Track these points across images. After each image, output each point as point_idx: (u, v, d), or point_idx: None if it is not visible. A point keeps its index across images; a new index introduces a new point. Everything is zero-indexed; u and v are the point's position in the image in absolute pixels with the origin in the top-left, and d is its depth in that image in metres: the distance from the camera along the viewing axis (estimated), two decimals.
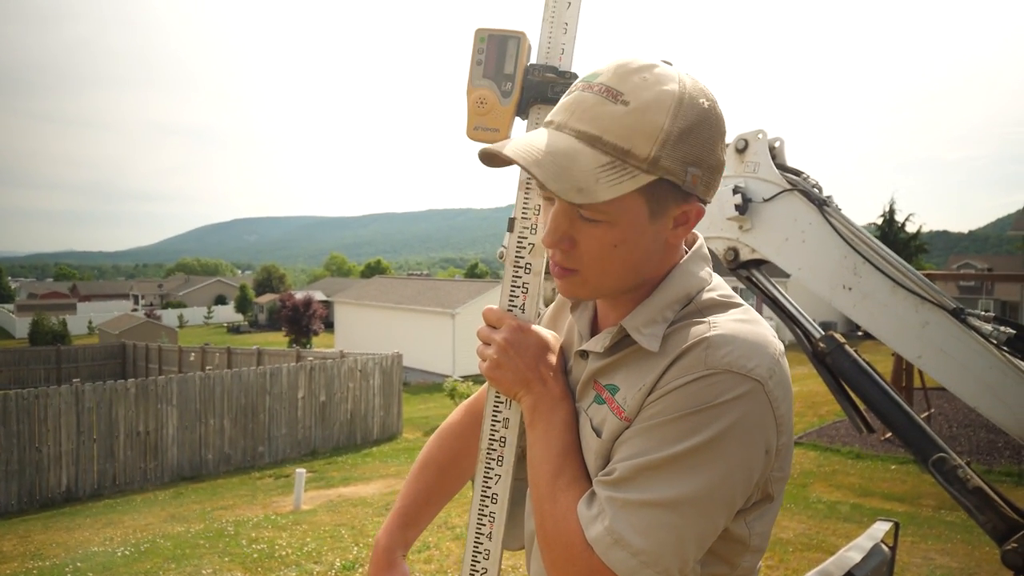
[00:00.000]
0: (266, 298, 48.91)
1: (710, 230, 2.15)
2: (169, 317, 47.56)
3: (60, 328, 34.41)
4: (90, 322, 44.10)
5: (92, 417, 9.21)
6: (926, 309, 1.90)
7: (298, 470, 7.62)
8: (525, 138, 0.77)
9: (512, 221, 0.95)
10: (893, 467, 7.95)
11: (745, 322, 0.79)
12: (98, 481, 9.26)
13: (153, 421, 9.74)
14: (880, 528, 1.82)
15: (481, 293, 22.93)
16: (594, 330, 0.92)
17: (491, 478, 0.93)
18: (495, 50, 0.95)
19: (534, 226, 0.93)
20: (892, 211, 30.57)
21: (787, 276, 2.13)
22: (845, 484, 7.35)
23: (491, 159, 0.77)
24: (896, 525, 1.84)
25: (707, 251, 0.89)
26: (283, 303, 31.77)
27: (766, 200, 2.05)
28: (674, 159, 0.73)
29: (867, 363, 2.00)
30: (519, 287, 0.94)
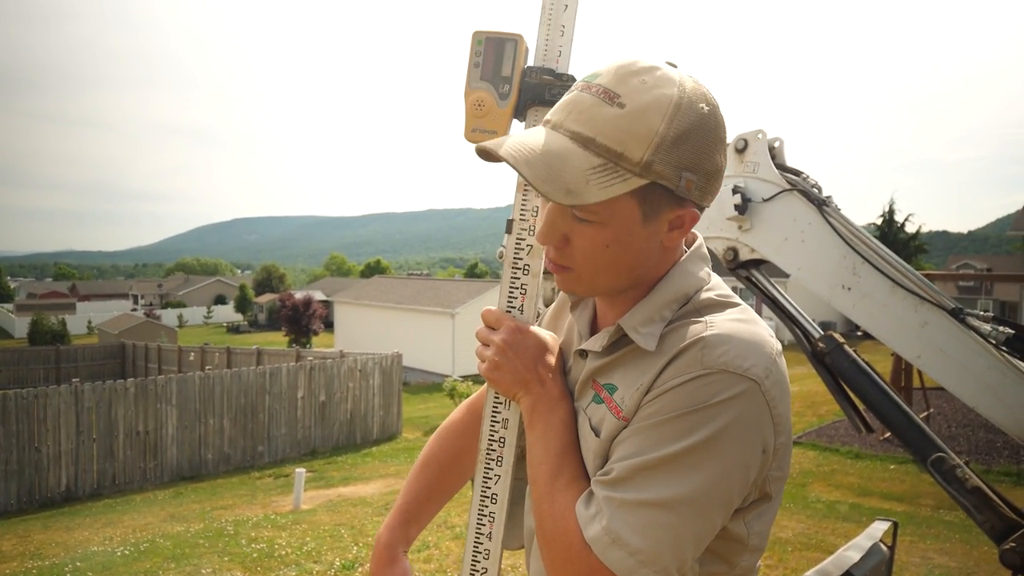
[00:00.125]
0: (266, 298, 48.92)
1: (709, 230, 2.16)
2: (169, 317, 47.56)
3: (59, 328, 34.41)
4: (89, 322, 44.10)
5: (91, 417, 9.21)
6: (925, 309, 1.90)
7: (298, 470, 7.62)
8: (520, 136, 0.77)
9: (510, 223, 0.95)
10: (892, 467, 7.96)
11: (742, 322, 0.79)
12: (97, 481, 9.26)
13: (152, 421, 9.74)
14: (879, 527, 1.82)
15: (481, 293, 22.94)
16: (593, 329, 0.92)
17: (491, 478, 0.93)
18: (493, 53, 0.96)
19: (532, 228, 0.93)
20: (892, 211, 30.59)
21: (786, 276, 2.13)
22: (844, 484, 7.36)
23: (488, 155, 0.78)
24: (895, 524, 1.84)
25: (706, 251, 0.89)
26: (283, 303, 31.78)
27: (765, 200, 2.05)
28: (668, 164, 0.73)
29: (866, 363, 2.00)
30: (517, 288, 0.94)
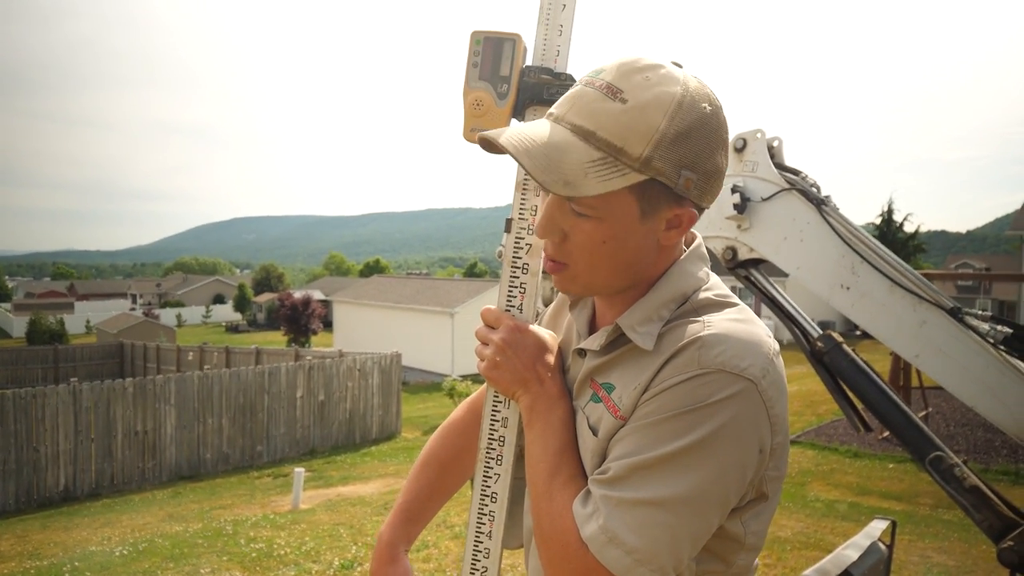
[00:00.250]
0: (264, 297, 48.89)
1: (708, 229, 2.16)
2: (167, 316, 47.51)
3: (58, 327, 34.37)
4: (88, 321, 44.05)
5: (90, 416, 9.20)
6: (924, 308, 1.90)
7: (297, 469, 7.62)
8: (523, 127, 0.78)
9: (509, 222, 0.95)
10: (891, 466, 7.97)
11: (739, 321, 0.79)
12: (96, 480, 9.25)
13: (151, 420, 9.74)
14: (877, 526, 1.82)
15: (480, 292, 22.94)
16: (592, 328, 0.92)
17: (490, 477, 0.93)
18: (491, 52, 0.96)
19: (531, 227, 0.94)
20: (890, 211, 30.60)
21: (785, 275, 2.14)
22: (843, 483, 7.37)
23: (490, 145, 0.79)
24: (893, 523, 1.85)
25: (705, 251, 0.89)
26: (282, 302, 31.76)
27: (764, 199, 2.06)
28: (667, 161, 0.73)
29: (865, 362, 2.01)
30: (516, 287, 0.94)
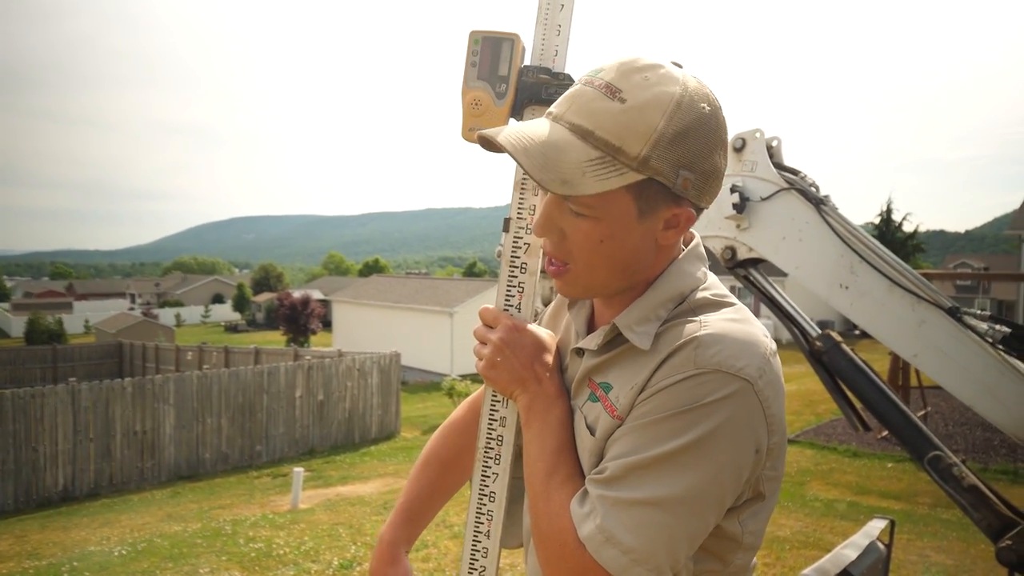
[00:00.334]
0: (264, 297, 48.85)
1: (707, 229, 2.16)
2: (166, 316, 47.48)
3: (56, 327, 34.34)
4: (86, 321, 44.00)
5: (89, 416, 9.19)
6: (922, 308, 1.90)
7: (296, 469, 7.62)
8: (522, 126, 0.78)
9: (507, 221, 0.95)
10: (890, 465, 7.97)
11: (736, 321, 0.79)
12: (95, 480, 9.25)
13: (150, 420, 9.73)
14: (876, 526, 1.83)
15: (479, 292, 22.94)
16: (590, 328, 0.92)
17: (488, 476, 0.94)
18: (489, 52, 0.96)
19: (529, 226, 0.94)
20: (889, 210, 30.60)
21: (785, 275, 2.14)
22: (842, 482, 7.37)
23: (489, 144, 0.79)
24: (892, 523, 1.85)
25: (703, 251, 0.89)
26: (281, 302, 31.73)
27: (764, 199, 2.06)
28: (665, 160, 0.73)
29: (863, 362, 2.01)
30: (515, 286, 0.94)
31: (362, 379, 11.87)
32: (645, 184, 0.75)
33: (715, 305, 0.82)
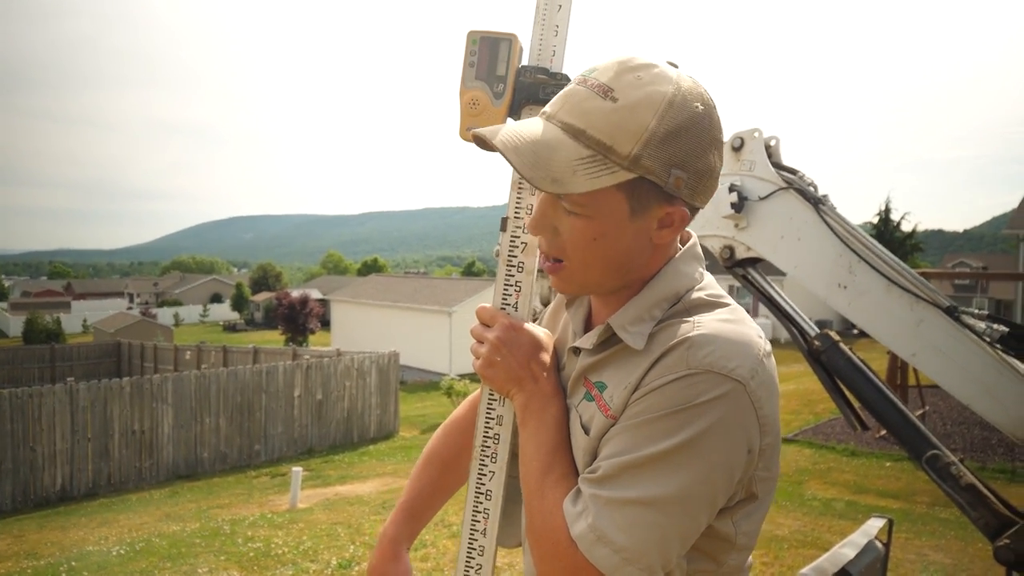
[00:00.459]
0: (262, 296, 48.82)
1: (706, 228, 2.16)
2: (164, 315, 47.43)
3: (54, 326, 34.27)
4: (85, 320, 43.95)
5: (87, 416, 9.19)
6: (921, 307, 1.91)
7: (294, 468, 7.62)
8: (515, 126, 0.79)
9: (505, 220, 0.96)
10: (888, 464, 7.99)
11: (729, 322, 0.79)
12: (93, 480, 9.24)
13: (148, 420, 9.72)
14: (874, 525, 1.83)
15: (478, 291, 22.94)
16: (587, 327, 0.92)
17: (485, 475, 0.94)
18: (487, 52, 0.96)
19: (527, 226, 0.94)
20: (888, 210, 30.63)
21: (783, 274, 2.14)
22: (840, 481, 7.38)
23: (484, 143, 0.80)
24: (890, 522, 1.85)
25: (700, 250, 0.89)
26: (279, 301, 31.71)
27: (762, 198, 2.06)
28: (656, 159, 0.74)
29: (862, 361, 2.01)
30: (512, 285, 0.94)
31: (361, 379, 11.87)
32: (637, 183, 0.75)
33: (710, 305, 0.82)
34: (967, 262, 40.11)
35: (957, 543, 5.19)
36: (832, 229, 1.97)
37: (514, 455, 0.93)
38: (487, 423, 0.94)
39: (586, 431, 0.83)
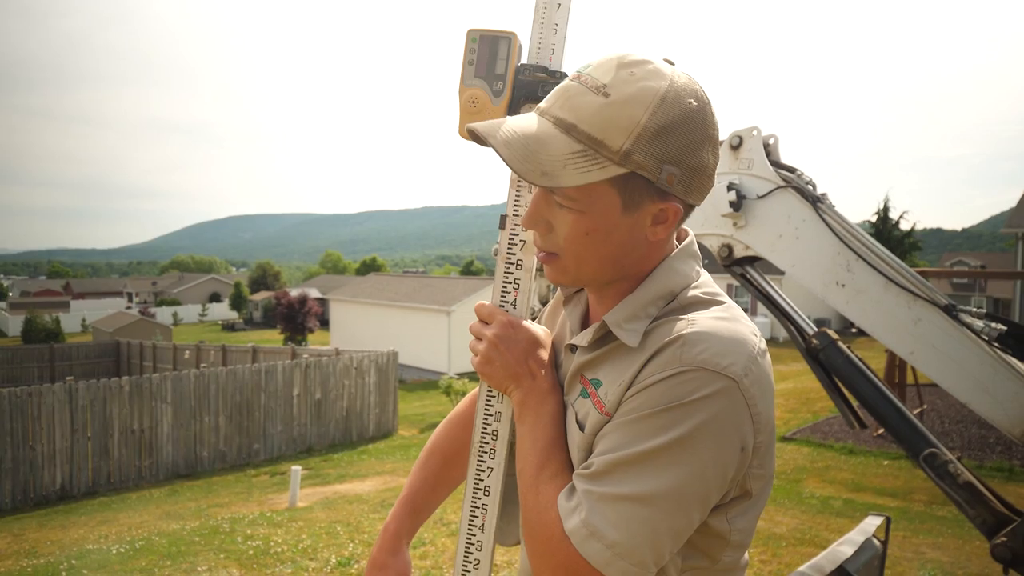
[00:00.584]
0: (261, 295, 48.77)
1: (704, 227, 2.16)
2: (163, 315, 47.39)
3: (53, 326, 34.23)
4: (84, 320, 43.91)
5: (86, 415, 9.18)
6: (919, 306, 1.91)
7: (294, 467, 7.62)
8: (510, 120, 0.79)
9: (504, 218, 0.96)
10: (885, 463, 8.00)
11: (724, 320, 0.79)
12: (93, 479, 9.24)
13: (148, 419, 9.72)
14: (872, 523, 1.84)
15: (477, 290, 22.93)
16: (585, 324, 0.93)
17: (483, 470, 0.95)
18: (486, 50, 0.97)
19: (521, 220, 0.94)
20: (886, 209, 30.61)
21: (781, 273, 2.14)
22: (838, 479, 7.39)
23: (479, 138, 0.80)
24: (887, 520, 1.86)
25: (697, 248, 0.90)
26: (278, 300, 31.69)
27: (760, 197, 2.06)
28: (648, 155, 0.74)
29: (860, 359, 2.01)
30: (511, 283, 0.95)
31: (359, 377, 11.87)
32: (629, 178, 0.75)
33: (705, 303, 0.82)
34: (965, 261, 40.15)
35: (954, 541, 5.20)
36: (830, 227, 1.97)
37: (513, 452, 0.93)
38: (485, 419, 0.95)
39: (581, 427, 0.83)
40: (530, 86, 0.96)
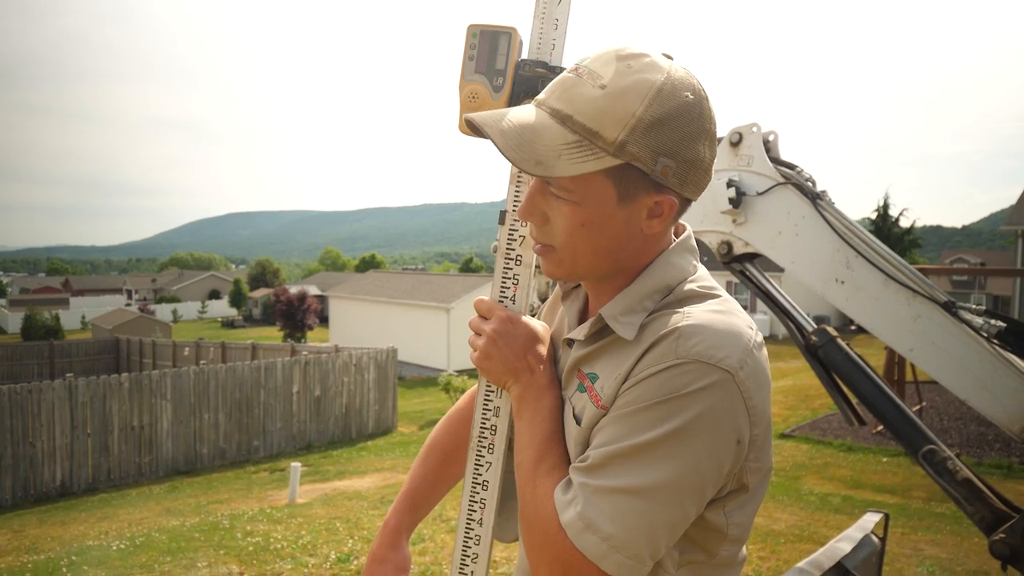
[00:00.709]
0: (260, 292, 48.76)
1: (704, 223, 2.16)
2: (163, 312, 47.36)
3: (53, 323, 34.23)
4: (83, 317, 43.90)
5: (86, 412, 9.19)
6: (918, 303, 1.91)
7: (293, 464, 7.63)
8: (507, 112, 0.79)
9: (503, 214, 0.96)
10: (884, 459, 8.01)
11: (719, 313, 0.79)
12: (93, 475, 9.25)
13: (147, 415, 9.73)
14: (870, 519, 1.84)
15: (476, 287, 22.94)
16: (582, 318, 0.93)
17: (482, 465, 0.95)
18: (487, 46, 0.97)
19: (517, 211, 0.94)
20: (886, 206, 30.60)
21: (781, 270, 2.14)
22: (837, 476, 7.41)
23: (476, 130, 0.80)
24: (886, 516, 1.86)
25: (694, 243, 0.90)
26: (277, 297, 31.67)
27: (760, 194, 2.06)
28: (643, 147, 0.74)
29: (859, 356, 2.02)
30: (510, 278, 0.95)
31: (359, 374, 11.88)
32: (624, 169, 0.75)
33: (701, 297, 0.82)
34: (965, 258, 40.17)
35: (953, 538, 5.21)
36: (830, 224, 1.97)
37: (511, 447, 0.94)
38: (484, 414, 0.95)
39: (578, 421, 0.83)
40: (530, 81, 0.95)
